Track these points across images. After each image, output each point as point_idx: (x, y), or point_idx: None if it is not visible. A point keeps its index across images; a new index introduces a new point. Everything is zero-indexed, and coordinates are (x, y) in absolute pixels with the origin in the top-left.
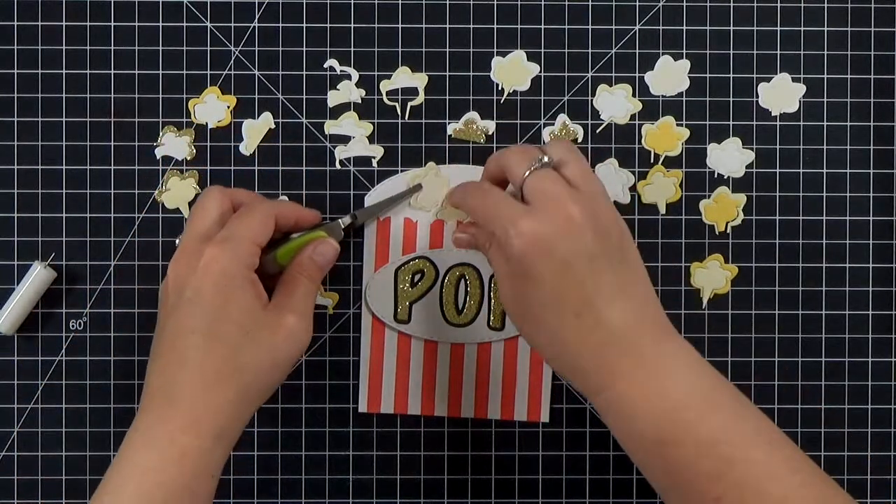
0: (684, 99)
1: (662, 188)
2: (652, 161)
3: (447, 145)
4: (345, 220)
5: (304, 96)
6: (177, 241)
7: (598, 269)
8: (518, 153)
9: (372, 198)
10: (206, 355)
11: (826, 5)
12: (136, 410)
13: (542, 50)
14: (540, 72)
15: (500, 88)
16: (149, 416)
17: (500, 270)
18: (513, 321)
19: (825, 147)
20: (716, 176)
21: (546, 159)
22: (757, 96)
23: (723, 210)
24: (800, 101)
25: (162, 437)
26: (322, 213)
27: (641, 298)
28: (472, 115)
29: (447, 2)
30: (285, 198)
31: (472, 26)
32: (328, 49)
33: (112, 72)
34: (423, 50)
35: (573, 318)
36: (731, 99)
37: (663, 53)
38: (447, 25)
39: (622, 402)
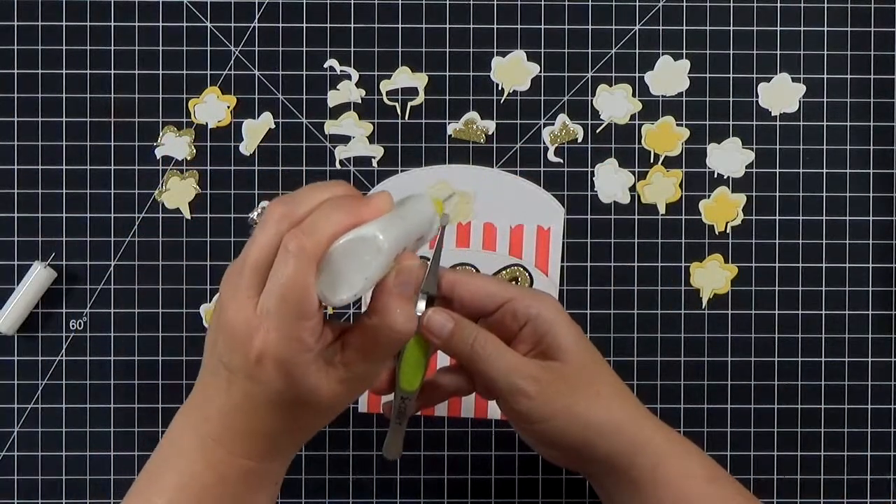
0: (684, 99)
1: (662, 188)
2: (652, 161)
3: (447, 145)
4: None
5: (304, 96)
6: (252, 213)
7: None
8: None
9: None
10: (264, 421)
11: (826, 5)
12: (136, 412)
13: (542, 50)
14: (540, 72)
15: (500, 88)
16: (190, 432)
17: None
18: (547, 409)
19: (825, 147)
20: (716, 176)
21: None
22: (757, 96)
23: (723, 210)
24: (800, 101)
25: (208, 454)
26: None
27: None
28: (472, 115)
29: (447, 2)
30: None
31: (472, 26)
32: (328, 49)
33: (112, 72)
34: (423, 50)
35: (623, 390)
36: (731, 99)
37: (663, 53)
38: (447, 25)
39: (669, 449)
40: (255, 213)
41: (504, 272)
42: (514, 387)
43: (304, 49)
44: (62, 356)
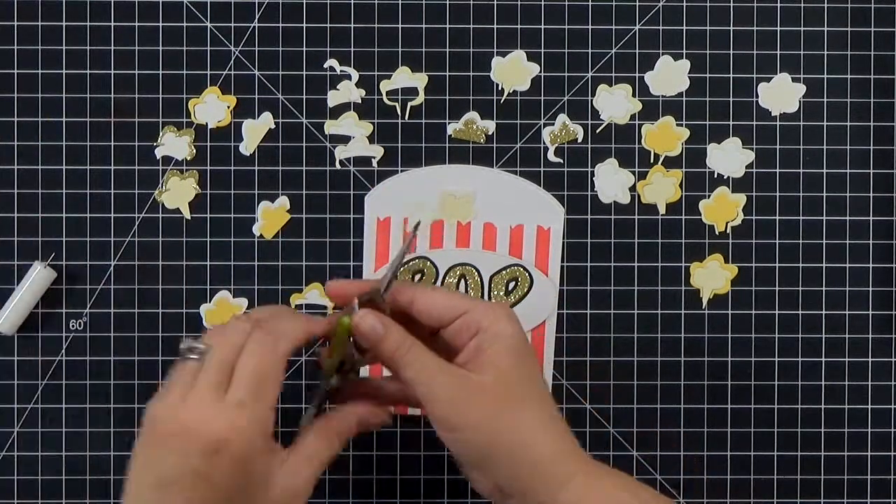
0: (684, 99)
1: (662, 188)
2: (652, 161)
3: (447, 145)
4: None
5: (304, 96)
6: (182, 344)
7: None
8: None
9: (373, 197)
10: None
11: (826, 5)
12: (136, 412)
13: (542, 50)
14: (540, 72)
15: (500, 88)
16: None
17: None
18: (468, 417)
19: (825, 147)
20: (716, 176)
21: None
22: (757, 96)
23: (723, 210)
24: (800, 101)
25: None
26: (322, 212)
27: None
28: (472, 115)
29: (447, 2)
30: (285, 198)
31: (472, 26)
32: (328, 49)
33: (112, 72)
34: (423, 50)
35: (551, 407)
36: (731, 99)
37: (663, 53)
38: (447, 25)
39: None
40: (187, 344)
41: (504, 272)
42: (429, 390)
43: (304, 49)
44: (62, 356)
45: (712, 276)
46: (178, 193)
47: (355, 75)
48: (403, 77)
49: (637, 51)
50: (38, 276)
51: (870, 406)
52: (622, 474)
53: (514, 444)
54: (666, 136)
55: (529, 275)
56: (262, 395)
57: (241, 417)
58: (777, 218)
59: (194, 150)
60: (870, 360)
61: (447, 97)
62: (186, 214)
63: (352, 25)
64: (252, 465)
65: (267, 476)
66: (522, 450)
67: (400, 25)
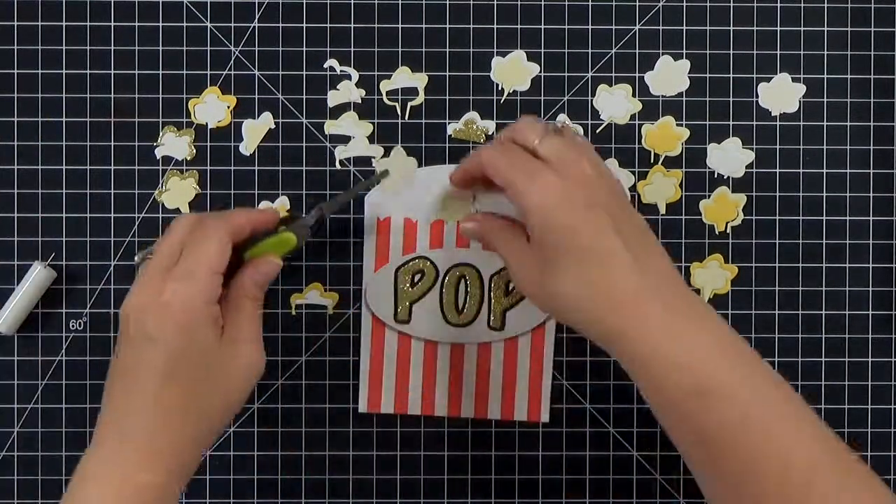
0: (684, 99)
1: (662, 188)
2: (652, 161)
3: (447, 145)
4: (311, 217)
5: (304, 96)
6: (136, 257)
7: (620, 221)
8: (528, 123)
9: (372, 197)
10: (164, 394)
11: (826, 5)
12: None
13: (542, 50)
14: (540, 72)
15: (500, 88)
16: (102, 450)
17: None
18: (520, 276)
19: (825, 147)
20: (716, 176)
21: (558, 124)
22: (757, 96)
23: (723, 210)
24: (800, 101)
25: (116, 474)
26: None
27: (660, 251)
28: (472, 115)
29: (447, 2)
30: (285, 198)
31: (472, 26)
32: (328, 49)
33: (112, 72)
34: (423, 50)
35: (597, 261)
36: (731, 99)
37: (663, 53)
38: (447, 25)
39: (650, 352)
40: (140, 256)
41: (504, 272)
42: (507, 263)
43: (304, 49)
44: (62, 356)
45: (712, 276)
46: (178, 193)
47: (355, 75)
48: (403, 77)
49: (637, 51)
50: (38, 276)
51: (870, 406)
52: (697, 315)
53: (559, 309)
54: (666, 136)
55: None
56: (203, 267)
57: (183, 286)
58: (777, 218)
59: (194, 150)
60: (870, 360)
61: (447, 97)
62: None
63: (352, 25)
64: (196, 323)
65: (209, 332)
66: (569, 315)
67: (400, 25)
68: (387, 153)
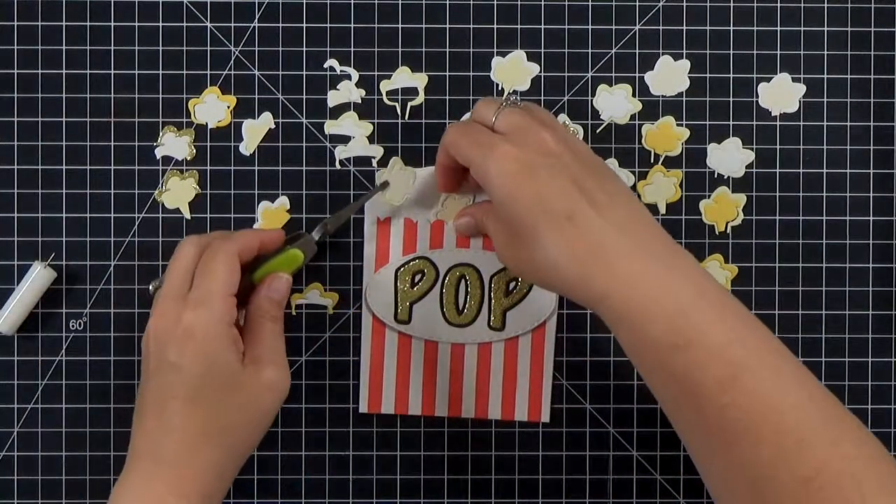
0: (684, 99)
1: (662, 188)
2: (652, 161)
3: None
4: (316, 233)
5: (304, 96)
6: (150, 286)
7: (583, 181)
8: (485, 103)
9: (371, 200)
10: (189, 420)
11: (826, 5)
12: (133, 413)
13: (542, 50)
14: (540, 72)
15: (500, 88)
16: (136, 475)
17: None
18: (505, 255)
19: (825, 147)
20: (716, 176)
21: (513, 100)
22: (757, 96)
23: (723, 210)
24: (800, 101)
25: (150, 498)
26: (322, 213)
27: (639, 209)
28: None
29: (447, 2)
30: (285, 198)
31: (472, 26)
32: (328, 49)
33: (112, 72)
34: (423, 50)
35: (566, 221)
36: (731, 99)
37: (663, 53)
38: (447, 25)
39: (631, 306)
40: (154, 285)
41: (504, 272)
42: (494, 243)
43: (304, 49)
44: (62, 356)
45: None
46: (178, 193)
47: (355, 75)
48: (403, 77)
49: (637, 51)
50: (38, 276)
51: (870, 406)
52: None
53: (545, 277)
54: (666, 136)
55: None
56: (217, 292)
57: (200, 312)
58: (777, 218)
59: (194, 150)
60: (870, 360)
61: (447, 97)
62: (186, 214)
63: (352, 25)
64: (216, 348)
65: (230, 356)
66: (555, 280)
67: (400, 25)
68: (386, 154)
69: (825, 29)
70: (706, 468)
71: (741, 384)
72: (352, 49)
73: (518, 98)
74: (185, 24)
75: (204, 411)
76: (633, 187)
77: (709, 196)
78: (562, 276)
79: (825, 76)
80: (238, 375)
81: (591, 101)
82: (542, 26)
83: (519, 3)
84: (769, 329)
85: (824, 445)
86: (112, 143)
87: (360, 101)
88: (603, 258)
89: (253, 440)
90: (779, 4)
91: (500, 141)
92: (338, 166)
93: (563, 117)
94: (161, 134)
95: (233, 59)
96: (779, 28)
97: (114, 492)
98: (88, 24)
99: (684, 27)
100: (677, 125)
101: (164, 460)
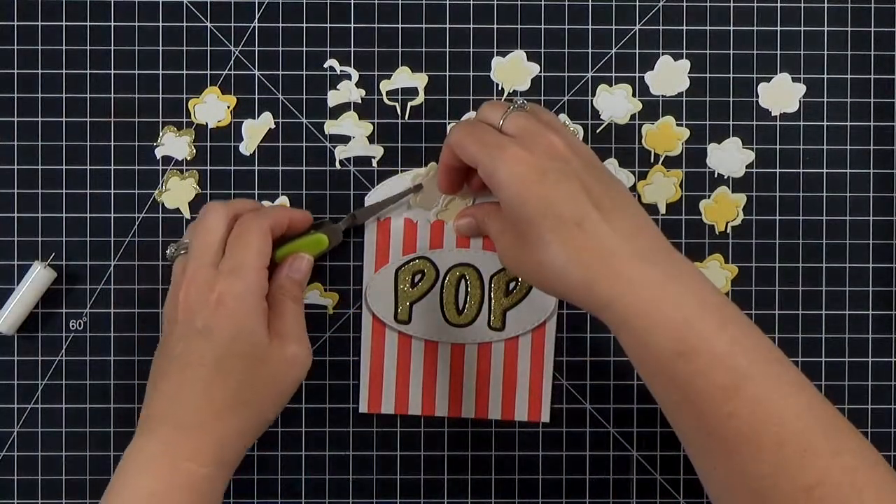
0: (684, 99)
1: (662, 188)
2: (652, 161)
3: None
4: (344, 222)
5: (304, 96)
6: (168, 250)
7: (591, 186)
8: (491, 105)
9: (372, 198)
10: (215, 388)
11: (826, 5)
12: (136, 412)
13: (542, 50)
14: (540, 72)
15: (500, 88)
16: (153, 440)
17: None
18: (507, 257)
19: (825, 147)
20: (716, 176)
21: (520, 103)
22: (757, 96)
23: (723, 210)
24: (800, 101)
25: (167, 464)
26: (322, 213)
27: (643, 217)
28: (472, 115)
29: (447, 2)
30: (285, 198)
31: (472, 26)
32: (328, 49)
33: (112, 72)
34: (423, 50)
35: (574, 227)
36: (731, 99)
37: (663, 53)
38: (447, 25)
39: (635, 312)
40: (172, 249)
41: (504, 272)
42: (496, 244)
43: (304, 49)
44: (62, 356)
45: (712, 276)
46: (178, 193)
47: (355, 75)
48: (403, 77)
49: (637, 51)
50: (38, 276)
51: (870, 406)
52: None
53: (548, 280)
54: (666, 136)
55: None
56: (251, 263)
57: (234, 282)
58: (777, 218)
59: (194, 150)
60: (870, 360)
61: (447, 97)
62: (186, 214)
63: (352, 25)
64: (248, 318)
65: (259, 328)
66: (558, 285)
67: (400, 25)
68: (386, 154)
69: (825, 29)
70: (707, 474)
71: (744, 393)
72: (352, 49)
73: (524, 102)
74: (185, 24)
75: (229, 380)
76: (633, 187)
77: (709, 196)
78: (566, 280)
79: (825, 76)
80: (265, 348)
81: (591, 101)
82: (542, 26)
83: (519, 3)
84: (768, 335)
85: (826, 455)
86: (112, 143)
87: (360, 101)
88: (609, 264)
89: (272, 414)
90: (779, 4)
91: (509, 143)
92: (338, 166)
93: (563, 117)
94: (161, 134)
95: (233, 59)
96: (779, 28)
97: (124, 456)
98: (88, 24)
99: (684, 27)
100: (677, 125)
101: (184, 425)
